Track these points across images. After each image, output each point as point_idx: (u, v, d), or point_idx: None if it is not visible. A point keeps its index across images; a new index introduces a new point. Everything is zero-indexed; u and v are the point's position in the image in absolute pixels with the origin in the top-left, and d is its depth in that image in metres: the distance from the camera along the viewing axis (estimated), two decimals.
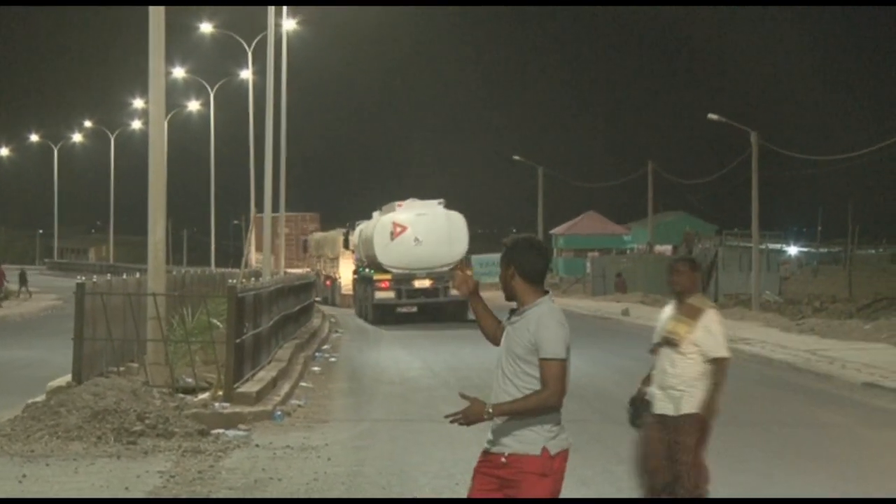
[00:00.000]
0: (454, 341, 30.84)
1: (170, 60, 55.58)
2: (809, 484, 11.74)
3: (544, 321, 6.16)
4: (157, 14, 17.74)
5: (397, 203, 39.84)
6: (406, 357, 26.39)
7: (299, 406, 17.46)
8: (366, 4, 65.01)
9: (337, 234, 50.82)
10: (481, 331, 6.57)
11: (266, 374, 19.06)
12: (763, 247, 48.41)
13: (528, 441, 6.13)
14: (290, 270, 46.94)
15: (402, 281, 38.34)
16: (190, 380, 17.23)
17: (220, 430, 14.62)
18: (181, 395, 16.22)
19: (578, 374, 18.13)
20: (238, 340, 16.88)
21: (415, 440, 14.45)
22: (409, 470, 12.37)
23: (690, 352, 8.77)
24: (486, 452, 6.27)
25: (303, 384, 20.29)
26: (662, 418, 8.77)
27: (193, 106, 74.89)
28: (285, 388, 18.73)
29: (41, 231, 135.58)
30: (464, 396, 6.22)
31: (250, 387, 17.21)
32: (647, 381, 9.00)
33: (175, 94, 69.19)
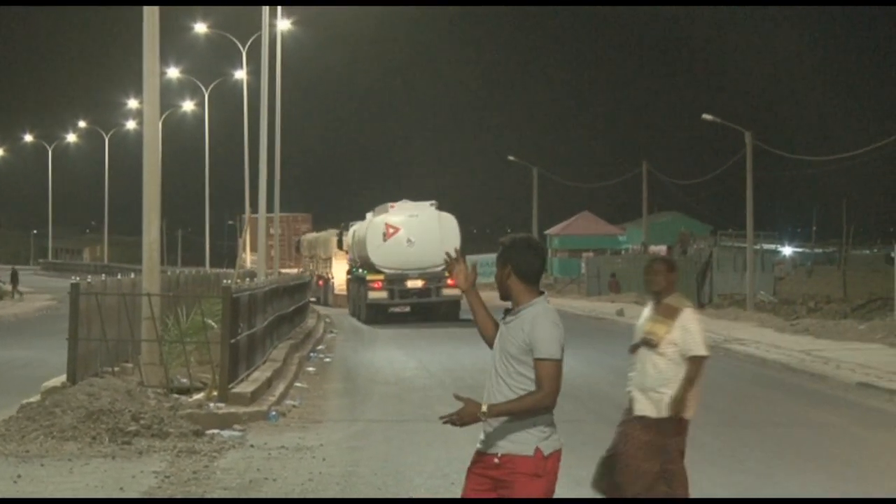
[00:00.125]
0: (449, 341, 30.86)
1: (164, 60, 55.58)
2: (807, 484, 11.75)
3: (539, 321, 6.16)
4: (151, 14, 17.73)
5: (390, 204, 40.27)
6: (401, 357, 26.38)
7: (294, 406, 17.45)
8: (362, 4, 64.91)
9: (329, 235, 51.08)
10: (478, 328, 6.55)
11: (261, 374, 19.04)
12: (758, 247, 48.48)
13: (521, 442, 6.12)
14: (283, 271, 46.97)
15: (394, 281, 38.76)
16: (185, 380, 17.21)
17: (215, 431, 14.60)
18: (176, 396, 16.21)
19: (573, 375, 18.16)
20: (233, 341, 16.87)
21: (410, 440, 14.44)
22: (404, 470, 12.37)
23: (669, 352, 8.74)
24: (479, 453, 6.26)
25: (297, 384, 20.28)
26: (643, 419, 8.73)
27: (188, 106, 74.83)
28: (280, 388, 18.72)
29: (35, 231, 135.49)
30: (458, 398, 6.21)
31: (245, 387, 17.20)
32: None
33: (170, 94, 69.16)
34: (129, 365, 18.56)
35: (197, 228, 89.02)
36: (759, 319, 35.27)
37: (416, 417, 16.61)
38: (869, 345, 26.64)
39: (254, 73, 49.44)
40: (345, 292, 46.82)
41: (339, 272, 49.19)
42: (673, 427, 8.70)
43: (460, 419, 6.15)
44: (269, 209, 38.59)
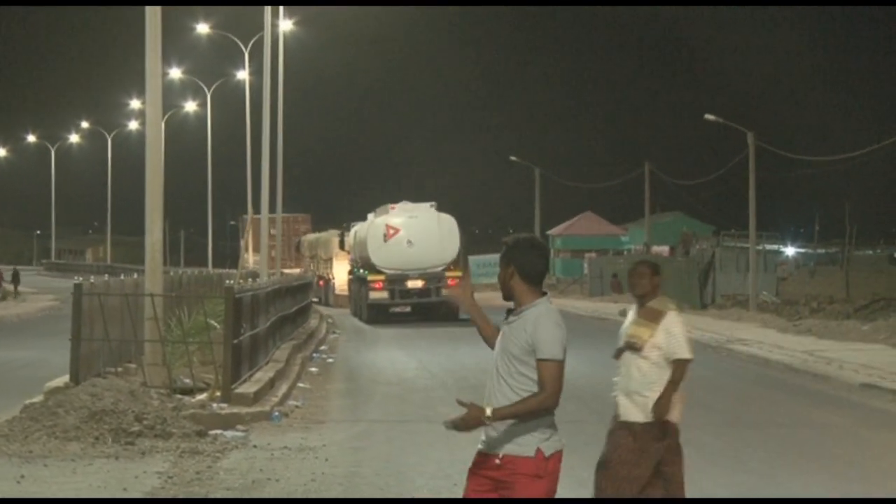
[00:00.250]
0: (451, 342, 30.86)
1: (166, 61, 55.54)
2: (810, 485, 11.74)
3: (542, 322, 6.15)
4: (153, 14, 17.73)
5: (390, 205, 40.69)
6: (403, 358, 26.38)
7: (297, 407, 17.45)
8: (363, 4, 64.86)
9: (330, 236, 51.38)
10: (483, 338, 6.57)
11: (264, 374, 19.05)
12: (760, 247, 48.42)
13: (523, 442, 6.12)
14: (285, 271, 47.07)
15: (395, 281, 39.14)
16: (188, 380, 17.22)
17: (218, 431, 14.61)
18: (179, 396, 16.21)
19: (575, 375, 18.15)
20: (235, 341, 16.87)
21: (412, 441, 14.45)
22: (406, 471, 12.37)
23: (653, 355, 8.70)
24: (480, 454, 6.25)
25: (300, 385, 20.28)
26: (630, 425, 8.70)
27: (190, 107, 74.85)
28: (283, 388, 18.73)
29: (38, 232, 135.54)
30: (461, 403, 6.20)
31: (248, 388, 17.20)
32: None
33: (172, 94, 69.16)
34: (132, 365, 18.57)
35: (199, 229, 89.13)
36: (761, 320, 35.26)
37: (418, 418, 16.62)
38: (872, 345, 26.62)
39: (256, 73, 49.44)
40: (345, 293, 47.20)
41: (339, 272, 49.51)
42: (659, 430, 8.68)
43: (464, 424, 6.13)
44: (272, 209, 38.65)
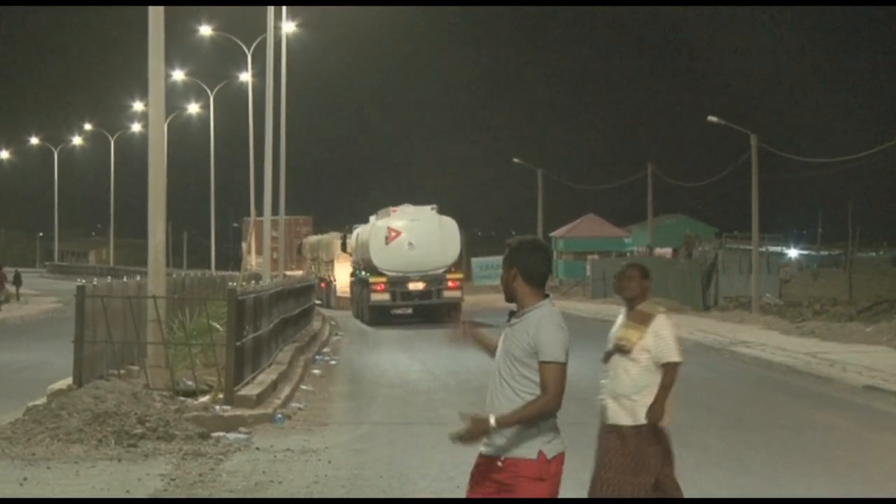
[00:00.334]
0: (454, 343, 30.83)
1: (169, 63, 55.60)
2: (813, 487, 11.73)
3: (544, 324, 6.15)
4: (156, 14, 17.73)
5: (392, 208, 41.11)
6: (406, 360, 26.39)
7: (300, 409, 17.45)
8: (365, 4, 64.85)
9: (332, 238, 51.69)
10: (493, 359, 6.57)
11: (266, 376, 19.04)
12: (763, 249, 48.41)
13: (525, 445, 6.12)
14: (287, 273, 47.14)
15: (396, 283, 39.51)
16: (190, 383, 17.22)
17: (221, 433, 14.61)
18: (181, 398, 16.21)
19: (578, 377, 18.10)
20: (238, 343, 16.87)
21: (414, 443, 14.45)
22: (409, 473, 12.38)
23: (642, 358, 8.69)
24: (482, 456, 6.26)
25: (303, 387, 20.28)
26: (617, 428, 8.68)
27: (193, 109, 74.93)
28: (286, 390, 18.73)
29: (41, 234, 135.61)
30: (464, 415, 6.18)
31: (251, 390, 17.20)
32: None
33: (175, 96, 69.27)
34: (135, 367, 18.57)
35: (202, 231, 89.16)
36: (764, 322, 35.24)
37: (420, 420, 16.62)
38: (875, 347, 26.60)
39: (259, 75, 49.50)
40: (347, 295, 47.58)
41: (340, 275, 49.85)
42: (651, 435, 8.67)
43: (469, 436, 6.11)
44: (275, 212, 38.69)
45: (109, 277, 29.15)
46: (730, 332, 32.07)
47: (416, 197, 41.71)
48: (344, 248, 47.37)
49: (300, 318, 30.18)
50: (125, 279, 22.22)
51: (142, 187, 18.03)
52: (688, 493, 9.09)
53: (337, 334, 34.88)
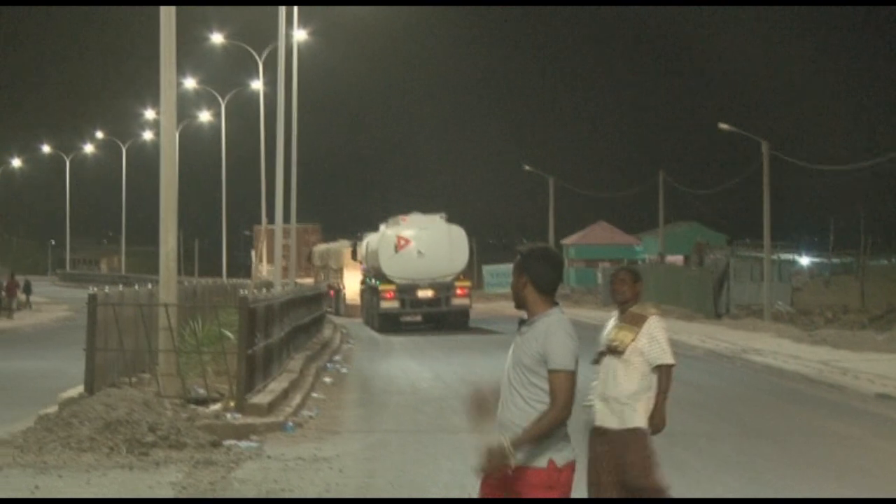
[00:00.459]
0: (464, 351, 30.88)
1: (181, 71, 55.77)
2: (824, 495, 11.69)
3: (553, 332, 6.14)
4: (167, 15, 17.76)
5: (401, 217, 41.68)
6: (416, 368, 26.38)
7: (311, 417, 17.45)
8: (379, 4, 64.74)
9: (341, 246, 52.16)
10: None
11: (278, 385, 19.05)
12: (775, 257, 48.31)
13: (535, 454, 6.09)
14: (298, 281, 47.30)
15: (405, 291, 40.00)
16: (202, 390, 17.23)
17: (232, 442, 14.62)
18: (193, 406, 16.22)
19: (589, 385, 18.11)
20: (250, 351, 16.87)
21: (425, 451, 14.43)
22: (420, 481, 12.37)
23: (635, 360, 8.69)
24: None
25: (314, 395, 20.28)
26: (604, 431, 8.68)
27: (205, 117, 75.06)
28: (297, 399, 18.73)
29: (53, 242, 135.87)
30: (481, 447, 6.12)
31: (262, 398, 17.20)
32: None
33: (186, 105, 69.45)
34: (147, 375, 18.59)
35: (214, 239, 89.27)
36: (776, 330, 35.17)
37: (431, 428, 16.60)
38: (888, 355, 26.52)
39: (270, 83, 49.58)
40: (356, 302, 48.21)
41: (350, 282, 50.37)
42: (638, 439, 8.64)
43: (491, 466, 6.05)
44: (286, 220, 38.77)
45: (121, 285, 29.21)
46: (741, 339, 32.00)
47: (427, 204, 42.08)
48: (354, 256, 47.77)
49: (311, 325, 30.21)
50: (136, 287, 22.24)
51: (153, 195, 18.06)
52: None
53: (348, 342, 34.90)
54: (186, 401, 16.47)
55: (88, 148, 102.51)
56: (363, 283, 45.61)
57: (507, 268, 58.62)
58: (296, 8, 40.49)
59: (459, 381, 23.13)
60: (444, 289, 39.90)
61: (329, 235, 63.56)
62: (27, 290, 54.62)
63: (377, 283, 40.77)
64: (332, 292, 52.57)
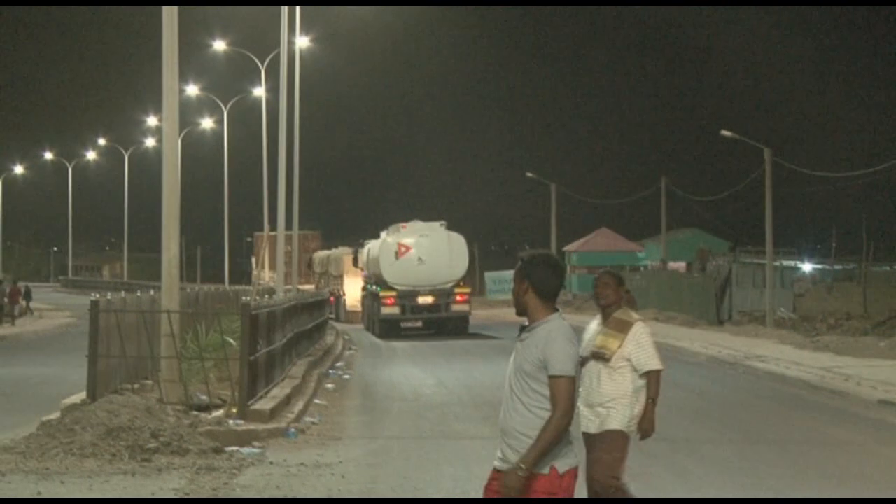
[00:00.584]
0: (466, 357, 30.89)
1: (183, 78, 55.81)
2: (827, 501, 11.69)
3: (553, 337, 6.16)
4: (170, 16, 17.77)
5: (402, 224, 42.32)
6: (419, 374, 26.38)
7: (313, 423, 17.45)
8: (379, 4, 64.73)
9: (341, 253, 52.74)
10: None
11: (280, 391, 19.06)
12: (777, 263, 48.30)
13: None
14: (300, 287, 47.43)
15: (406, 297, 40.58)
16: (204, 397, 17.23)
17: (235, 448, 14.62)
18: (195, 413, 16.23)
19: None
20: (252, 358, 16.88)
21: (428, 458, 14.43)
22: (422, 487, 12.37)
23: (621, 366, 8.72)
24: (496, 470, 6.27)
25: (316, 401, 20.28)
26: (588, 436, 8.70)
27: (207, 124, 75.12)
28: (299, 405, 18.73)
29: (55, 248, 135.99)
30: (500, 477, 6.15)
31: (264, 404, 17.20)
32: None
33: (189, 111, 69.48)
34: (149, 382, 18.60)
35: (216, 245, 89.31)
36: (778, 336, 35.15)
37: (434, 434, 16.60)
38: (890, 362, 26.50)
39: (272, 90, 49.63)
40: (356, 309, 48.98)
41: (350, 289, 51.07)
42: (614, 441, 8.65)
43: (508, 491, 6.06)
44: (289, 226, 38.82)
45: (123, 292, 29.23)
46: (744, 346, 31.99)
47: (429, 210, 42.36)
48: (355, 263, 48.25)
49: (314, 332, 30.22)
50: (139, 294, 22.26)
51: (156, 202, 18.07)
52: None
53: (350, 348, 34.92)
54: (189, 407, 16.48)
55: (91, 155, 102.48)
56: (364, 289, 46.10)
57: (509, 274, 58.56)
58: (298, 13, 40.48)
59: (462, 387, 23.14)
60: (444, 295, 40.51)
61: (329, 242, 63.72)
62: (27, 296, 54.67)
63: (378, 289, 41.31)
64: (332, 299, 52.76)
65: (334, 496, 11.90)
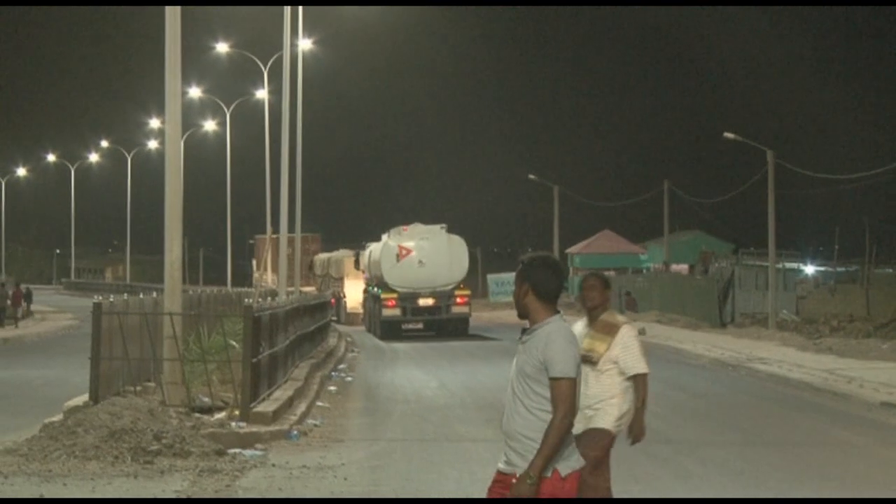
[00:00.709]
0: (469, 359, 30.89)
1: (186, 80, 55.81)
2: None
3: (553, 339, 6.17)
4: (173, 14, 17.77)
5: (403, 227, 42.81)
6: (421, 376, 26.38)
7: (316, 425, 17.46)
8: (380, 4, 64.72)
9: (342, 256, 53.18)
10: None
11: (282, 393, 19.06)
12: (780, 266, 48.30)
13: None
14: (303, 290, 47.52)
15: (407, 299, 41.16)
16: (206, 399, 17.24)
17: (237, 450, 14.62)
18: (198, 415, 16.23)
19: None
20: (254, 360, 16.88)
21: (431, 460, 14.44)
22: (425, 489, 12.37)
23: (608, 369, 8.74)
24: (500, 473, 6.27)
25: (319, 403, 20.29)
26: (577, 438, 8.70)
27: (210, 126, 75.14)
28: (301, 407, 18.74)
29: (58, 251, 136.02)
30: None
31: (267, 406, 17.21)
32: None
33: (191, 113, 69.49)
34: (151, 384, 18.61)
35: (219, 247, 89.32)
36: (781, 338, 35.15)
37: (436, 437, 16.61)
38: (893, 364, 26.49)
39: (275, 92, 49.65)
40: (357, 311, 49.67)
41: (350, 291, 51.57)
42: (599, 439, 8.65)
43: (519, 496, 6.06)
44: (291, 229, 38.85)
45: (126, 294, 29.25)
46: (746, 348, 31.98)
47: (431, 213, 42.65)
48: (357, 265, 48.59)
49: (316, 334, 30.23)
50: (141, 296, 22.27)
51: (158, 204, 18.07)
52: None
53: (353, 351, 34.93)
54: (191, 409, 16.48)
55: (93, 157, 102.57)
56: (366, 291, 46.59)
57: (512, 277, 58.64)
58: (301, 14, 40.50)
59: (464, 389, 23.15)
60: (444, 297, 41.04)
61: (330, 245, 63.78)
62: (27, 298, 54.73)
63: (379, 291, 41.80)
64: (332, 301, 52.89)
65: (337, 498, 11.90)
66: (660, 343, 34.33)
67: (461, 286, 41.41)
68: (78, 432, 14.18)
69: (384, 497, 11.97)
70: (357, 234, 52.61)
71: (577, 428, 8.68)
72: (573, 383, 6.11)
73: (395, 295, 40.95)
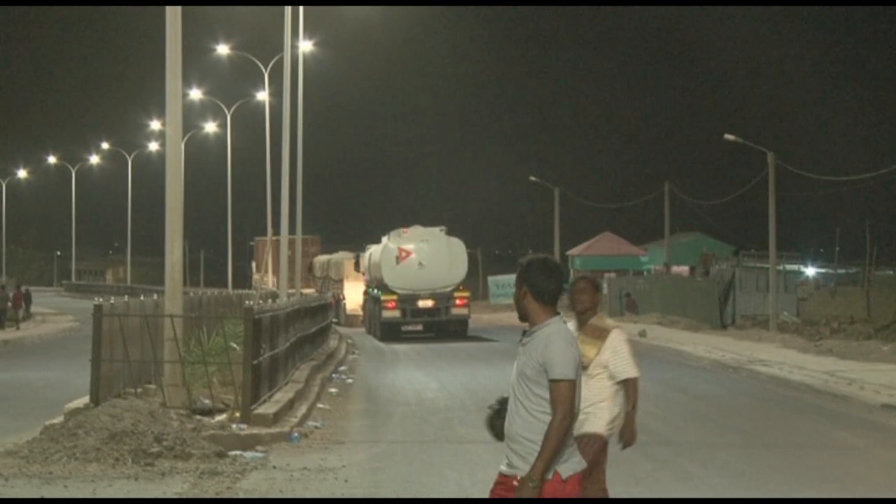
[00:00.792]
0: (469, 361, 30.89)
1: (187, 82, 55.90)
2: None
3: (553, 341, 6.18)
4: (173, 14, 17.77)
5: (403, 230, 43.04)
6: (422, 378, 26.38)
7: (316, 427, 17.46)
8: (381, 4, 64.67)
9: (342, 258, 53.40)
10: None
11: (283, 395, 19.06)
12: (780, 267, 48.30)
13: None
14: (304, 291, 47.59)
15: (406, 301, 41.52)
16: (207, 401, 17.25)
17: (238, 452, 14.63)
18: (198, 417, 16.23)
19: None
20: (255, 362, 16.89)
21: (431, 462, 14.44)
22: (425, 492, 12.37)
23: (598, 373, 8.72)
24: (501, 475, 6.28)
25: (320, 405, 20.29)
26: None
27: (211, 128, 75.14)
28: (302, 409, 18.74)
29: (59, 252, 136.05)
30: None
31: (267, 408, 17.21)
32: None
33: (192, 115, 69.46)
34: (152, 386, 18.61)
35: (219, 249, 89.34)
36: (782, 340, 35.14)
37: (437, 438, 16.61)
38: (893, 366, 26.48)
39: (276, 94, 49.67)
40: (356, 313, 49.94)
41: (350, 293, 51.78)
42: (591, 443, 8.65)
43: (524, 496, 6.08)
44: (292, 230, 38.88)
45: (126, 296, 29.25)
46: (747, 350, 31.97)
47: (431, 215, 42.77)
48: (357, 267, 48.75)
49: (317, 336, 30.23)
50: (142, 298, 22.28)
51: (159, 206, 18.07)
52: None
53: (353, 352, 34.94)
54: (192, 411, 16.49)
55: (94, 159, 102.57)
56: (366, 293, 46.76)
57: (512, 278, 58.80)
58: (301, 15, 40.51)
59: (465, 390, 23.14)
60: (443, 299, 41.31)
61: (329, 247, 63.86)
62: (27, 300, 54.75)
63: (379, 293, 42.02)
64: (332, 302, 52.98)
65: (337, 500, 11.90)
66: (660, 345, 34.33)
67: (461, 288, 41.68)
68: (79, 434, 14.18)
69: (385, 498, 11.97)
70: (357, 236, 52.70)
71: None
72: (572, 385, 6.11)
73: (394, 297, 41.20)
